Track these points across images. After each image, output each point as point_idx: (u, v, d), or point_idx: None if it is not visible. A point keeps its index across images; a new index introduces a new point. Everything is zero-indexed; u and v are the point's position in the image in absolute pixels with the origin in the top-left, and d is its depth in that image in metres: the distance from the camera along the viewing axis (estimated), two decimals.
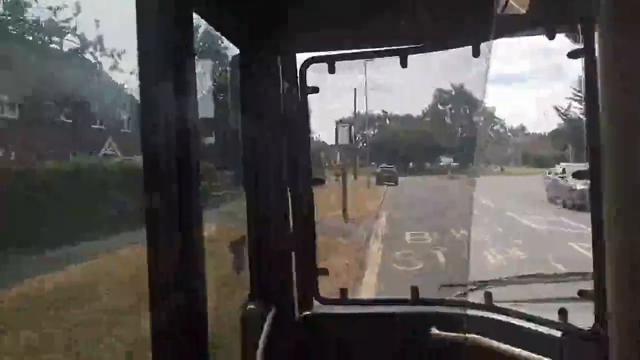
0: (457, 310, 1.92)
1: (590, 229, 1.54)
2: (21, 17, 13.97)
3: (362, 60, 1.88)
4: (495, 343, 1.71)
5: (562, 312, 1.65)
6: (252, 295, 1.77)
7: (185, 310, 1.02)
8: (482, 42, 1.67)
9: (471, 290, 2.21)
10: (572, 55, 1.55)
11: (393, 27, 1.73)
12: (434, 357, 1.83)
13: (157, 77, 0.99)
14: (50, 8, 14.70)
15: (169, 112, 0.98)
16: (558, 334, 1.64)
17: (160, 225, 1.01)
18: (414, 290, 1.99)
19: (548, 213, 15.05)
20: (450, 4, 1.57)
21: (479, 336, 1.75)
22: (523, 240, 10.76)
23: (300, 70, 1.80)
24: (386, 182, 32.32)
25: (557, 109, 36.82)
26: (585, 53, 1.51)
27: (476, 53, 1.69)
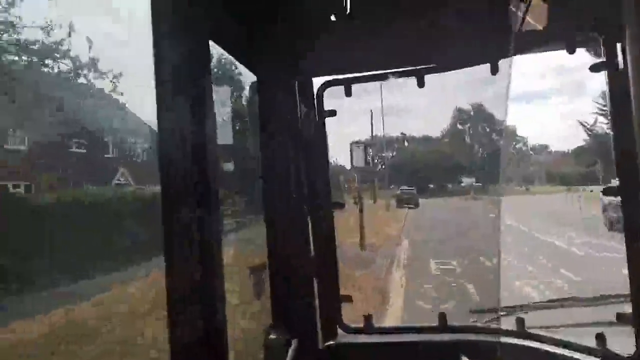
0: (487, 338, 1.88)
1: None
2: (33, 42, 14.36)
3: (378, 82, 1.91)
4: None
5: (600, 338, 1.60)
6: (274, 324, 1.77)
7: (205, 338, 1.02)
8: (501, 59, 1.68)
9: (502, 316, 2.16)
10: (595, 68, 1.55)
11: (409, 47, 1.76)
12: None
13: (175, 106, 1.02)
14: (55, 40, 15.07)
15: (187, 139, 1.01)
16: None
17: (178, 251, 1.02)
18: (442, 317, 1.96)
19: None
20: (466, 22, 1.60)
21: None
22: (574, 272, 9.43)
23: (317, 93, 1.83)
24: (406, 205, 32.17)
25: (582, 125, 36.40)
26: (608, 66, 1.51)
27: (494, 71, 1.71)
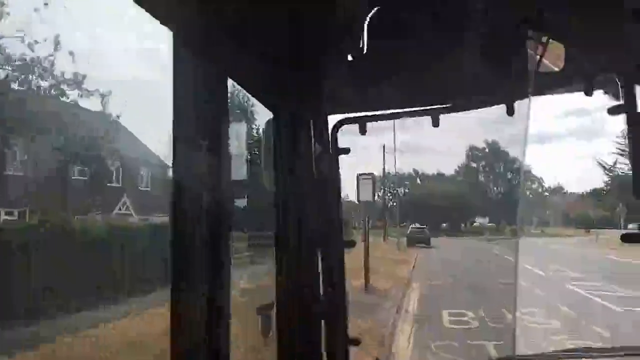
0: None
1: None
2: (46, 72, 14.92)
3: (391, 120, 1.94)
4: None
5: None
6: None
7: None
8: (517, 101, 1.70)
9: None
10: (613, 111, 1.56)
11: (424, 87, 1.80)
12: None
13: (191, 143, 1.05)
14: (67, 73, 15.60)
15: (202, 176, 1.04)
16: None
17: (185, 288, 1.03)
18: None
19: None
20: (482, 63, 1.63)
21: None
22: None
23: (332, 131, 1.86)
24: (417, 243, 31.83)
25: (601, 165, 36.03)
26: (627, 108, 1.52)
27: (510, 112, 1.73)
